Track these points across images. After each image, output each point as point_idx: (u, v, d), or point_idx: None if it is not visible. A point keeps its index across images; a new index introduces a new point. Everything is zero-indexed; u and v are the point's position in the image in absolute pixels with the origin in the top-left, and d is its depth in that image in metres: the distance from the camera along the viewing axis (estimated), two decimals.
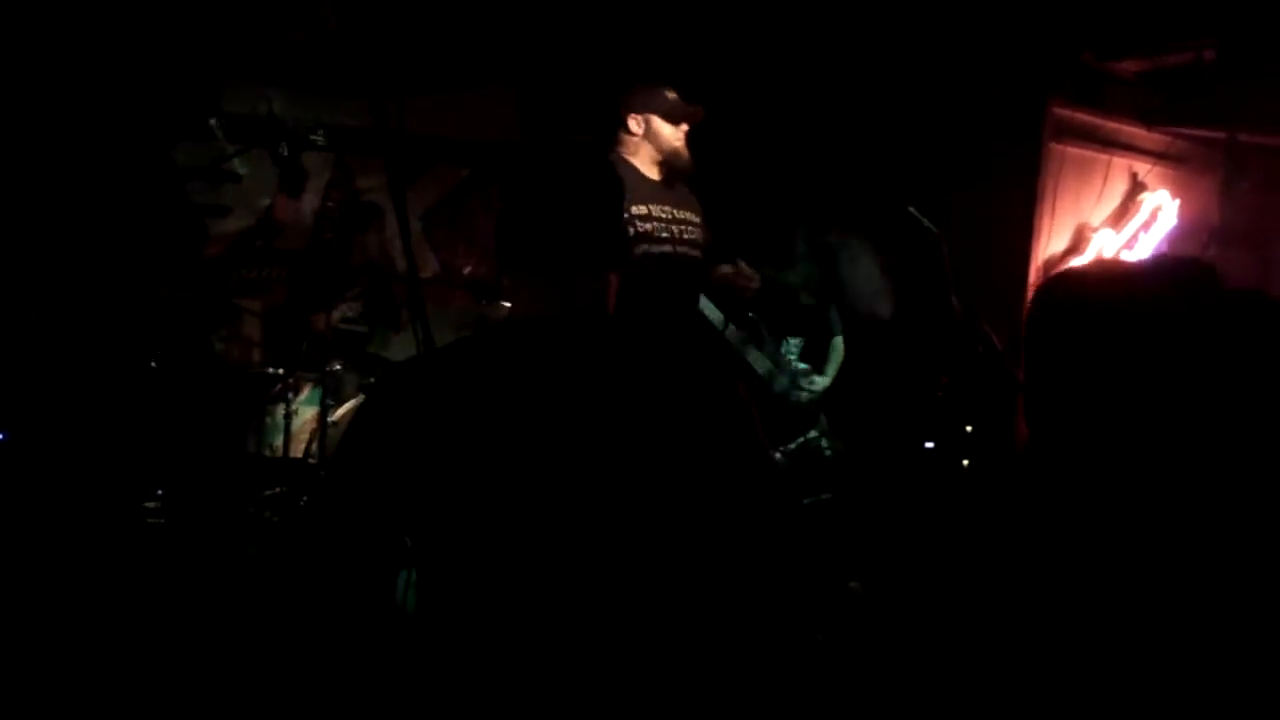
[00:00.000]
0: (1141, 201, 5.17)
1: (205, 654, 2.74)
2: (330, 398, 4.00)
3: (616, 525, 1.36)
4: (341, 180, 4.98)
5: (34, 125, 3.23)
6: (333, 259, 4.65)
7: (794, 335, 4.28)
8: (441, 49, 5.02)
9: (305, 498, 3.64)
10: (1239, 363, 1.28)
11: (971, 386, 4.32)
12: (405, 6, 4.86)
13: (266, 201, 4.57)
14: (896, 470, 4.48)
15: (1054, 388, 1.32)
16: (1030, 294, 4.33)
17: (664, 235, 3.24)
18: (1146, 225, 5.16)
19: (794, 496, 1.50)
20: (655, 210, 3.24)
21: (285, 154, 3.63)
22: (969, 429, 4.45)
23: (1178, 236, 5.22)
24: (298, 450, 4.07)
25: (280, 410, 4.00)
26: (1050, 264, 4.96)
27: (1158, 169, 5.21)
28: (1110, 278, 1.36)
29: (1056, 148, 4.89)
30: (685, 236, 3.30)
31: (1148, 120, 5.10)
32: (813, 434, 4.12)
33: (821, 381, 4.23)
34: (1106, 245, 5.05)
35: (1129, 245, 5.11)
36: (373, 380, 4.27)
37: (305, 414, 4.16)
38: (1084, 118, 4.96)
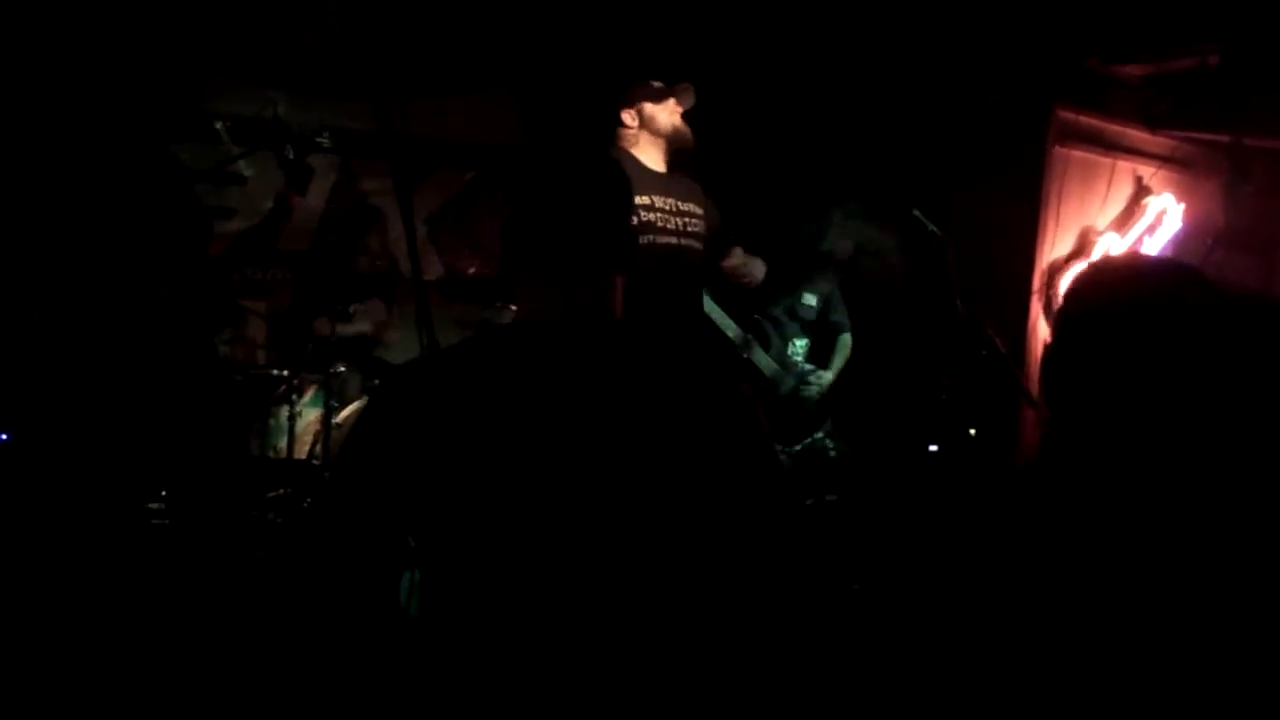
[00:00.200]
0: (1146, 205, 5.16)
1: (209, 655, 2.74)
2: (334, 399, 4.01)
3: (621, 528, 1.36)
4: (346, 183, 4.99)
5: (37, 129, 3.24)
6: (337, 261, 4.67)
7: (800, 336, 4.28)
8: (445, 52, 5.03)
9: (309, 499, 3.64)
10: (1253, 368, 1.28)
11: (975, 389, 4.31)
12: (409, 10, 4.87)
13: (271, 203, 4.59)
14: (900, 472, 4.48)
15: (1084, 381, 1.31)
16: (1035, 296, 4.33)
17: (668, 227, 3.23)
18: (1151, 229, 5.16)
19: (799, 498, 1.50)
20: (658, 201, 3.23)
21: (291, 156, 3.64)
22: (972, 431, 4.44)
23: (1182, 240, 5.22)
24: (302, 452, 4.08)
25: (284, 412, 4.01)
26: (1054, 268, 4.96)
27: (1162, 173, 5.20)
28: (1140, 276, 1.35)
29: (1061, 151, 4.89)
30: (689, 229, 3.29)
31: (1152, 124, 5.09)
32: (818, 435, 4.12)
33: (826, 376, 4.22)
34: (1111, 249, 5.04)
35: (1133, 249, 5.10)
36: (377, 382, 4.27)
37: (309, 416, 4.17)
38: (1089, 122, 4.96)
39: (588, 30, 4.95)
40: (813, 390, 4.14)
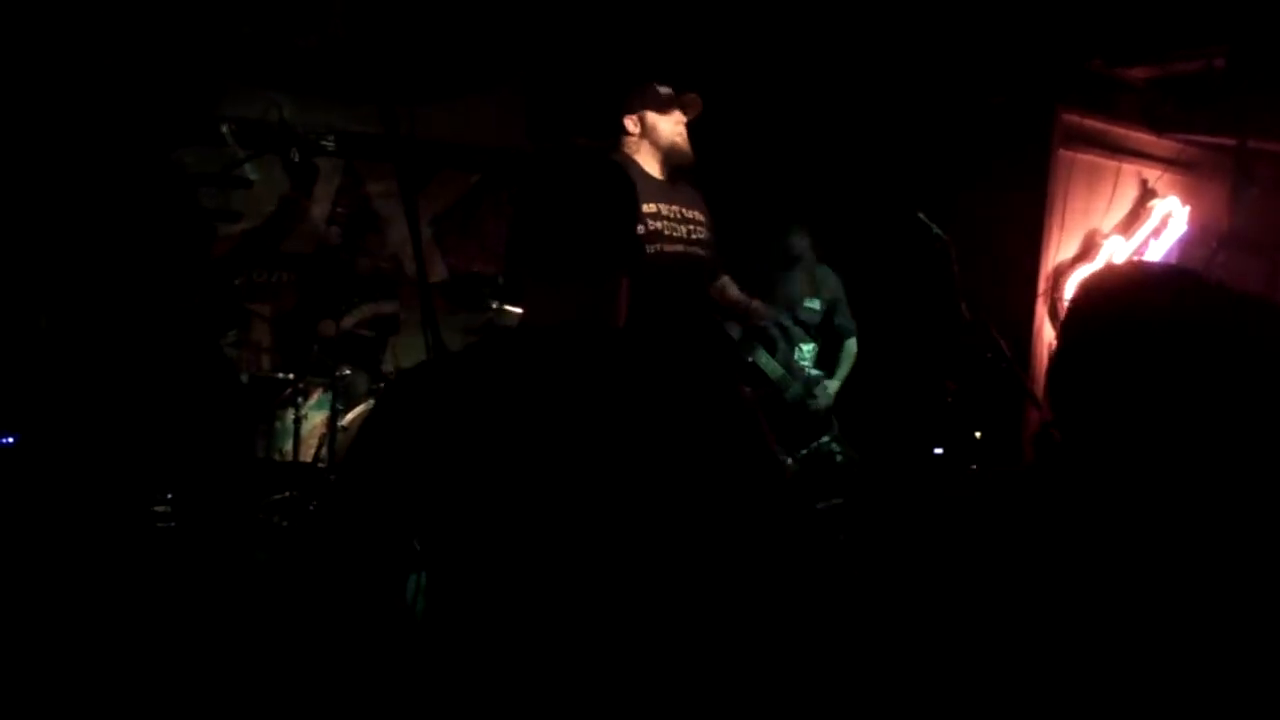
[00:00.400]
0: (1151, 208, 5.16)
1: (214, 657, 2.74)
2: (340, 402, 4.01)
3: (627, 532, 1.36)
4: (351, 186, 5.00)
5: (44, 133, 3.25)
6: (341, 264, 4.67)
7: (807, 341, 4.28)
8: (450, 55, 5.04)
9: (314, 502, 3.64)
10: (1256, 376, 1.28)
11: (980, 392, 4.31)
12: (414, 13, 4.89)
13: (275, 206, 4.60)
14: (906, 475, 4.48)
15: (1089, 388, 1.31)
16: (1039, 299, 4.33)
17: (675, 234, 3.21)
18: (1156, 231, 5.15)
19: (803, 501, 1.50)
20: (665, 209, 3.20)
21: (296, 159, 3.65)
22: (977, 434, 4.44)
23: (1187, 243, 5.21)
24: (307, 455, 4.09)
25: (290, 415, 4.01)
26: (1059, 270, 4.95)
27: (1167, 175, 5.20)
28: (1150, 283, 1.35)
29: (1066, 154, 4.89)
30: (694, 236, 3.27)
31: (1157, 127, 5.09)
32: (825, 439, 4.12)
33: (831, 385, 4.23)
34: (1116, 252, 5.04)
35: (1139, 252, 5.10)
36: (383, 385, 4.28)
37: (315, 419, 4.17)
38: (1093, 124, 4.96)
39: (593, 33, 4.96)
40: (819, 403, 4.15)
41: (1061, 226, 4.91)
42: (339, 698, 1.42)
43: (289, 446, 3.99)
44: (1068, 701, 1.23)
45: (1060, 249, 4.96)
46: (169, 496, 3.18)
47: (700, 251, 3.28)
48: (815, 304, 4.32)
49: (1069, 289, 4.92)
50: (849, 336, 4.40)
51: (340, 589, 1.41)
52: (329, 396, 4.05)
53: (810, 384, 4.16)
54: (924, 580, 1.38)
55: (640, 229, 2.98)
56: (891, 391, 4.76)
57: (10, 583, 2.76)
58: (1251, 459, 1.27)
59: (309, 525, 2.98)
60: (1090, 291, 1.39)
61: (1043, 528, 1.30)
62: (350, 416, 4.11)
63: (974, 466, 4.09)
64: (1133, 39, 4.62)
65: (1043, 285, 4.90)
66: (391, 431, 1.43)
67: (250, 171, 4.05)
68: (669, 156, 3.25)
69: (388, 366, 4.57)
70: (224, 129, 3.87)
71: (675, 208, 3.24)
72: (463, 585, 1.40)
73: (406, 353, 4.69)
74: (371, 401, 4.09)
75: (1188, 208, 5.21)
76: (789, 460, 3.95)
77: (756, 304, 3.66)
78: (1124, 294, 1.34)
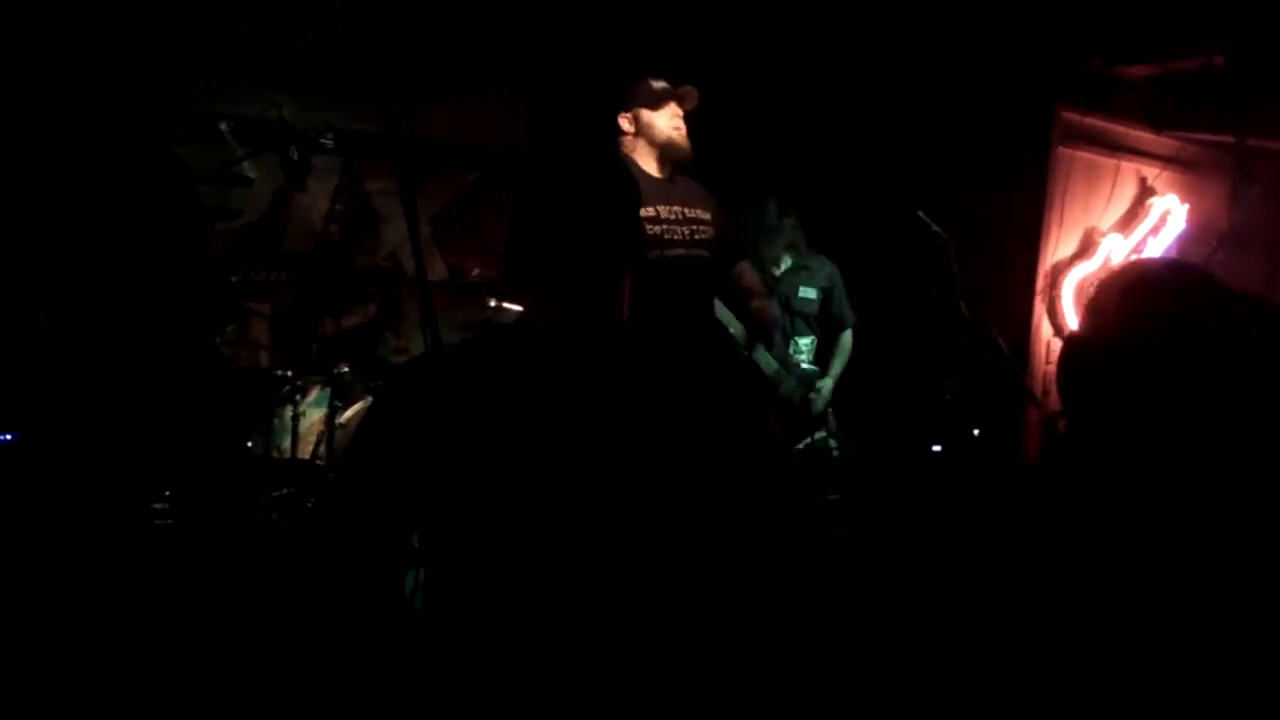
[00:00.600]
0: (1150, 206, 5.16)
1: (212, 655, 2.74)
2: (338, 400, 4.01)
3: (626, 528, 1.36)
4: (350, 184, 5.00)
5: (40, 131, 3.25)
6: (340, 262, 4.67)
7: (805, 335, 4.28)
8: (449, 54, 5.04)
9: (313, 500, 3.64)
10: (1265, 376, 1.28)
11: (979, 390, 4.31)
12: (413, 12, 4.88)
13: (270, 203, 4.60)
14: (904, 473, 4.48)
15: (1103, 387, 1.31)
16: (1038, 297, 4.33)
17: (676, 238, 3.11)
18: (1155, 229, 5.15)
19: (809, 499, 1.50)
20: (664, 212, 3.11)
21: (295, 158, 3.64)
22: (976, 432, 4.44)
23: (1187, 240, 5.22)
24: (305, 452, 4.09)
25: (288, 412, 4.01)
26: (1058, 269, 4.96)
27: (1167, 173, 5.20)
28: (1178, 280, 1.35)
29: (1065, 152, 4.89)
30: (697, 237, 3.16)
31: (1157, 125, 5.09)
32: (821, 435, 4.12)
33: (826, 384, 4.23)
34: (1115, 250, 5.04)
35: (1138, 249, 5.10)
36: (381, 382, 4.28)
37: (313, 416, 4.17)
38: (1093, 122, 4.96)
39: (592, 31, 4.96)
40: (815, 398, 4.15)
41: (1060, 224, 4.92)
42: (338, 695, 1.42)
43: (287, 444, 3.99)
44: (1072, 697, 1.23)
45: (1059, 247, 4.96)
46: (167, 494, 3.19)
47: (704, 252, 3.18)
48: (811, 293, 4.31)
49: (1067, 287, 4.93)
50: (846, 327, 4.39)
51: (338, 586, 1.41)
52: (327, 394, 4.05)
53: (805, 379, 4.16)
54: (924, 576, 1.38)
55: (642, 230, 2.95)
56: (891, 389, 4.76)
57: (9, 581, 2.76)
58: (1258, 455, 1.27)
59: (307, 522, 2.98)
60: (1106, 287, 1.39)
61: (1048, 520, 1.30)
62: (348, 414, 4.11)
63: (972, 463, 4.10)
64: (1132, 37, 4.62)
65: (1041, 283, 4.90)
66: (390, 428, 1.43)
67: (249, 169, 4.05)
68: (666, 153, 3.15)
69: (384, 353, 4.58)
70: (223, 127, 3.87)
71: (676, 208, 3.15)
72: (462, 582, 1.40)
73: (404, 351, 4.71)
74: (370, 399, 4.10)
75: (1187, 206, 5.22)
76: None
77: (766, 304, 3.59)
78: (1137, 290, 1.34)
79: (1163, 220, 5.16)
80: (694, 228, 3.17)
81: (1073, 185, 4.94)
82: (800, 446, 4.08)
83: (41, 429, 2.97)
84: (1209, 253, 5.06)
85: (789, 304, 4.27)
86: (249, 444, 3.98)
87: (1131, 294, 1.34)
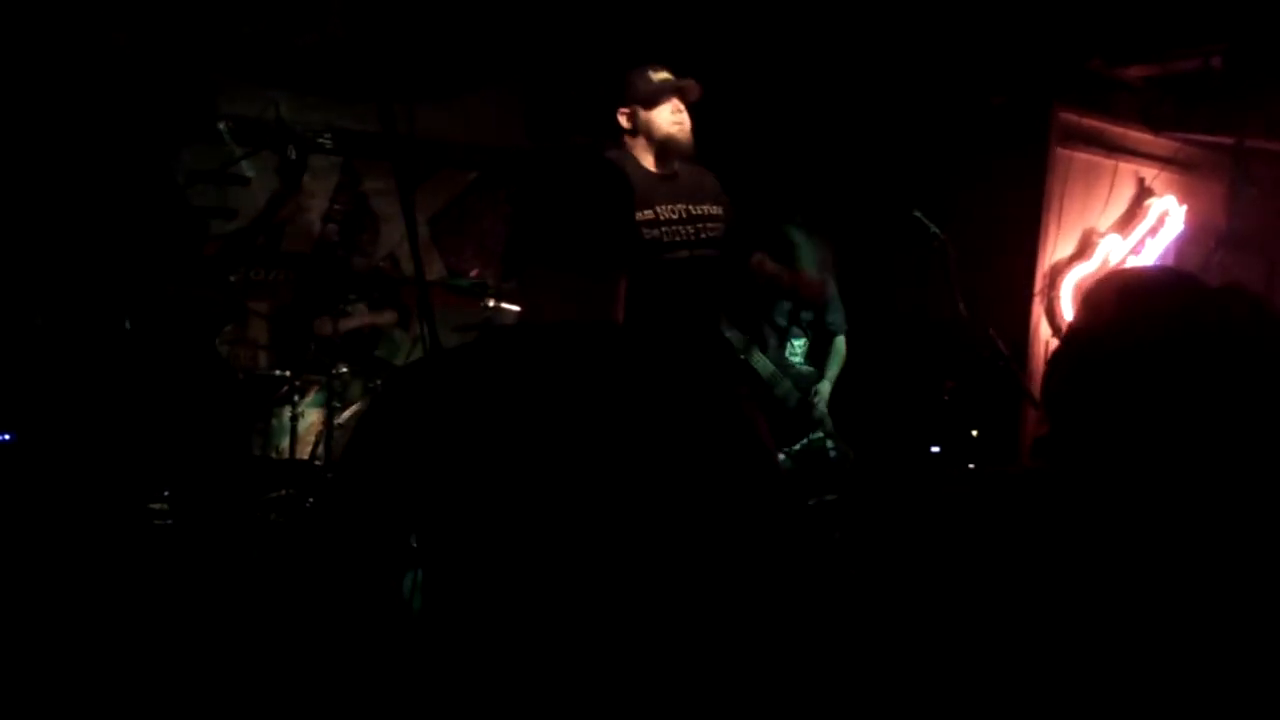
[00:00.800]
0: (1148, 207, 5.16)
1: (211, 655, 2.74)
2: (336, 400, 4.02)
3: (622, 529, 1.36)
4: (349, 184, 5.01)
5: (39, 131, 3.25)
6: (338, 262, 4.67)
7: (798, 337, 4.28)
8: (448, 54, 5.04)
9: (311, 500, 3.65)
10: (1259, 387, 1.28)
11: (977, 391, 4.31)
12: (412, 12, 4.89)
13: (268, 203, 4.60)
14: (903, 474, 4.48)
15: (1088, 395, 1.31)
16: (1037, 298, 4.32)
17: (677, 239, 3.02)
18: (1153, 230, 5.15)
19: (799, 500, 1.50)
20: (665, 212, 3.01)
21: (293, 157, 3.64)
22: (975, 433, 4.44)
23: (1185, 242, 5.22)
24: (304, 453, 4.09)
25: (286, 412, 4.01)
26: (1056, 270, 4.96)
27: (1165, 174, 5.20)
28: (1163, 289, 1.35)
29: (1063, 153, 4.89)
30: (703, 236, 3.05)
31: (1155, 126, 5.09)
32: (817, 435, 4.12)
33: (824, 387, 4.24)
34: (1113, 251, 5.04)
35: (1135, 250, 5.10)
36: (379, 383, 4.28)
37: (311, 416, 4.18)
38: (1091, 123, 4.96)
39: (590, 30, 4.96)
40: (811, 400, 4.16)
41: (1058, 225, 4.92)
42: (336, 695, 1.42)
43: (285, 444, 3.99)
44: (1063, 702, 1.23)
45: (1057, 248, 4.96)
46: (166, 494, 3.19)
47: (709, 251, 3.08)
48: None
49: (1065, 288, 4.93)
50: (839, 334, 4.39)
51: (337, 586, 1.41)
52: (325, 394, 4.05)
53: (801, 381, 4.16)
54: (919, 578, 1.38)
55: (638, 235, 2.88)
56: (889, 390, 4.76)
57: (7, 581, 2.76)
58: (1249, 461, 1.27)
59: (306, 523, 2.99)
60: (1101, 288, 1.39)
61: (1038, 525, 1.30)
62: (347, 414, 4.11)
63: (971, 465, 4.10)
64: (1131, 38, 4.62)
65: (1039, 284, 4.90)
66: (389, 428, 1.43)
67: (247, 169, 4.04)
68: (666, 149, 3.06)
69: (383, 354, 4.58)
70: (221, 127, 3.87)
71: (680, 206, 3.06)
72: (461, 582, 1.40)
73: (402, 351, 4.70)
74: (368, 399, 4.10)
75: (1185, 207, 5.22)
76: (782, 457, 3.96)
77: (805, 274, 3.50)
78: (1124, 296, 1.35)
79: (1161, 221, 5.16)
80: (699, 225, 3.06)
81: (1071, 186, 4.94)
82: (797, 447, 4.08)
83: (39, 429, 2.97)
84: (1207, 254, 5.06)
85: (790, 311, 4.28)
86: (247, 444, 3.98)
87: (1128, 295, 1.35)
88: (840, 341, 4.40)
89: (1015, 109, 4.80)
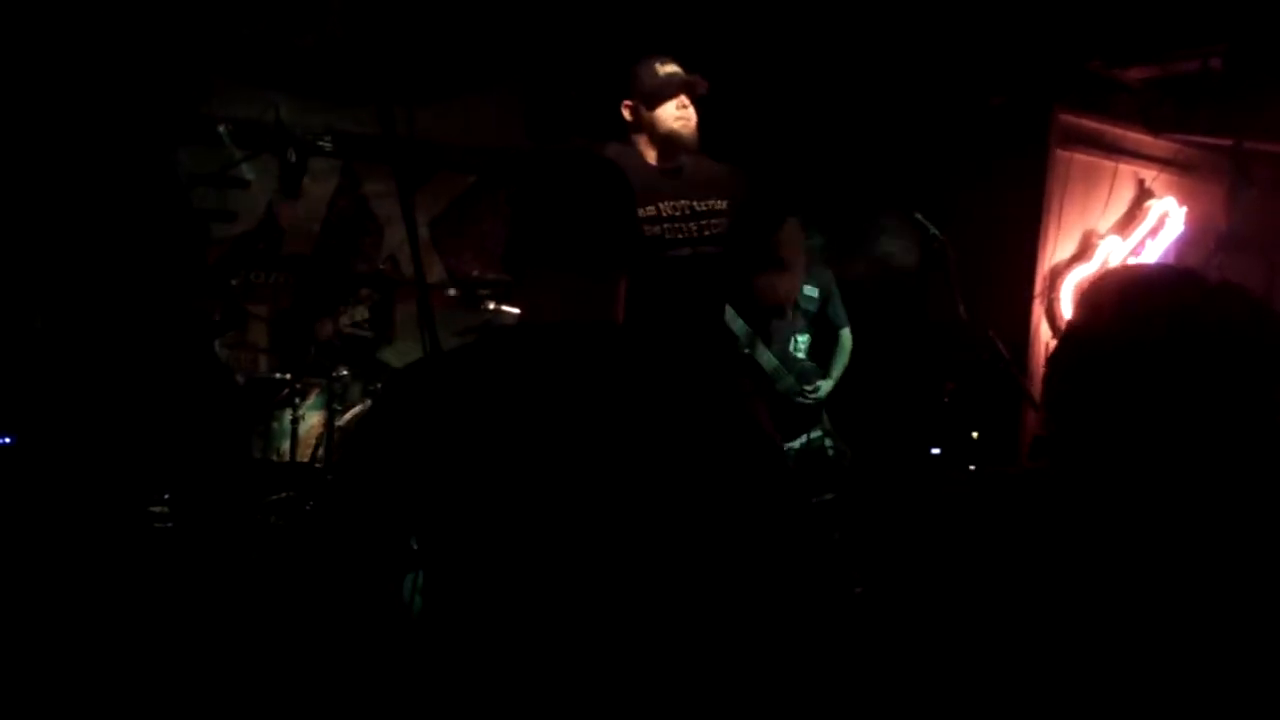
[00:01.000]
0: (1148, 208, 5.17)
1: (211, 657, 2.74)
2: (337, 403, 4.02)
3: (624, 530, 1.36)
4: (348, 187, 5.01)
5: (40, 134, 3.25)
6: (338, 265, 4.68)
7: (802, 332, 4.29)
8: (448, 55, 5.04)
9: (312, 503, 3.64)
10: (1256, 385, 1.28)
11: (977, 392, 4.32)
12: (412, 14, 4.89)
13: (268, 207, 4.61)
14: (903, 475, 4.49)
15: (1089, 387, 1.31)
16: (1037, 299, 4.32)
17: (680, 236, 2.96)
18: (1153, 232, 5.16)
19: (803, 499, 1.50)
20: (668, 209, 2.95)
21: (293, 159, 3.64)
22: (975, 435, 4.45)
23: (1185, 243, 5.22)
24: (304, 455, 4.09)
25: (287, 415, 4.01)
26: (1056, 271, 4.96)
27: (1164, 176, 5.21)
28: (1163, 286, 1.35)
29: (1063, 154, 4.89)
30: (707, 232, 2.99)
31: (1154, 127, 5.10)
32: (816, 433, 4.12)
33: (825, 385, 4.24)
34: (1113, 252, 5.05)
35: (1135, 252, 5.11)
36: (379, 385, 4.27)
37: (311, 419, 4.18)
38: (1090, 125, 4.97)
39: (590, 30, 4.96)
40: (813, 396, 4.16)
41: (1058, 227, 4.92)
42: (336, 697, 1.42)
43: (286, 447, 3.99)
44: (1064, 701, 1.23)
45: (1057, 249, 4.97)
46: (166, 497, 3.19)
47: (712, 248, 3.01)
48: (814, 292, 4.31)
49: (1065, 289, 4.93)
50: (843, 326, 4.40)
51: (337, 588, 1.41)
52: (326, 397, 4.05)
53: (804, 376, 4.16)
54: (919, 577, 1.38)
55: (640, 232, 2.86)
56: (889, 392, 4.76)
57: (7, 583, 2.76)
58: (1249, 460, 1.27)
59: (306, 525, 2.98)
60: (1089, 294, 1.39)
61: (1039, 525, 1.30)
62: (347, 417, 4.11)
63: (971, 467, 4.10)
64: (1131, 39, 4.62)
65: (1039, 285, 4.91)
66: (389, 430, 1.43)
67: (246, 172, 4.05)
68: (669, 144, 2.99)
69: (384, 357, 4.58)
70: (221, 129, 3.87)
71: (683, 203, 2.99)
72: (461, 585, 1.40)
73: (402, 353, 4.71)
74: (368, 402, 4.10)
75: (1185, 208, 5.22)
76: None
77: (780, 282, 3.48)
78: (1123, 295, 1.34)
79: (1161, 222, 5.17)
80: (703, 222, 3.01)
81: (1071, 187, 4.95)
82: (797, 445, 4.08)
83: (39, 431, 2.97)
84: (1207, 255, 5.06)
85: (795, 304, 4.27)
86: (248, 447, 3.98)
87: (1128, 293, 1.34)
88: (846, 334, 4.40)
89: (1015, 110, 4.80)
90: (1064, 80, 4.80)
